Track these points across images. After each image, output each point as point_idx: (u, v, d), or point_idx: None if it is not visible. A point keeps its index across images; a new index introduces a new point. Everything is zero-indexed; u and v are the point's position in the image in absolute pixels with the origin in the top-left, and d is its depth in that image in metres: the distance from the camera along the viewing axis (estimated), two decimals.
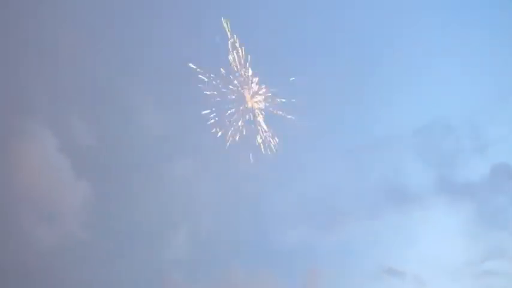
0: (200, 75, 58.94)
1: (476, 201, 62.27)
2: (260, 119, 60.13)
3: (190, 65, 58.61)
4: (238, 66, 58.64)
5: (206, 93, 59.10)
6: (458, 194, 62.35)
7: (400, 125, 63.12)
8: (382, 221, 62.22)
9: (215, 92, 59.18)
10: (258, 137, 59.82)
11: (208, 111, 59.15)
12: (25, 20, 60.12)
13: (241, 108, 60.01)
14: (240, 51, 58.62)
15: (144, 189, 61.21)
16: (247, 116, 60.06)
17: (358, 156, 62.80)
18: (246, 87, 59.29)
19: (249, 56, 58.86)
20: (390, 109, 63.58)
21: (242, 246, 61.73)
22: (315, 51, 62.89)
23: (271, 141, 60.14)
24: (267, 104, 60.10)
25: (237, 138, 59.90)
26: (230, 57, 58.58)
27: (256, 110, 60.19)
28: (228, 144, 59.47)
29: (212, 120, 59.03)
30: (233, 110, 59.85)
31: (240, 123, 59.74)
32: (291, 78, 59.05)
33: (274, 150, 60.18)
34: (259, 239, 61.71)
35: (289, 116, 59.68)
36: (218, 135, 59.21)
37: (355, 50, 63.16)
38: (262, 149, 59.99)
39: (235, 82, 59.10)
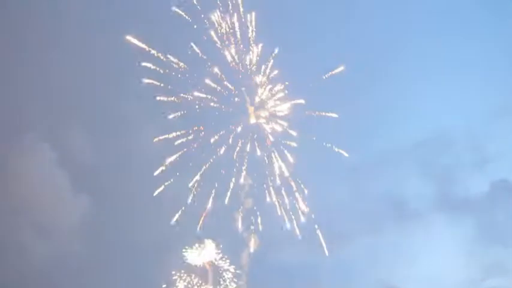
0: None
1: (476, 217, 62.44)
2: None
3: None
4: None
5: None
6: (458, 210, 62.55)
7: (399, 142, 63.30)
8: (383, 238, 62.31)
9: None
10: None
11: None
12: (22, 35, 60.46)
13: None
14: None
15: (142, 204, 60.43)
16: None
17: (358, 174, 62.59)
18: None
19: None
20: (390, 126, 63.70)
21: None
22: (314, 68, 62.57)
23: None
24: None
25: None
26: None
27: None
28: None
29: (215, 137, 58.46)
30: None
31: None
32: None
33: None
34: (260, 258, 61.10)
35: (291, 131, 59.33)
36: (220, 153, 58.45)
37: (354, 66, 62.79)
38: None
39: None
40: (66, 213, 59.50)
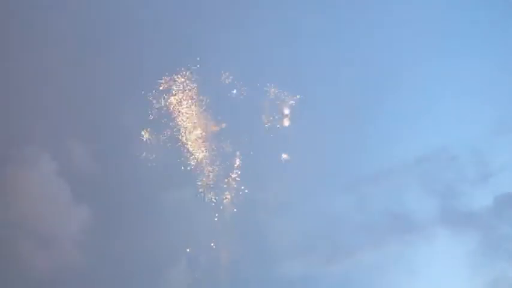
0: None
1: (480, 231, 61.37)
2: None
3: None
4: None
5: None
6: (462, 224, 61.52)
7: (401, 156, 62.55)
8: (385, 252, 61.45)
9: None
10: None
11: None
12: (22, 45, 60.66)
13: None
14: None
15: (144, 215, 60.17)
16: None
17: (360, 187, 62.17)
18: None
19: None
20: (391, 139, 63.23)
21: (242, 278, 60.68)
22: (315, 84, 62.78)
23: None
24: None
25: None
26: None
27: None
28: None
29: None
30: None
31: None
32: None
33: None
34: (260, 271, 60.58)
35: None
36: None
37: (355, 82, 62.99)
38: None
39: None
40: (66, 223, 59.37)
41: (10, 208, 58.00)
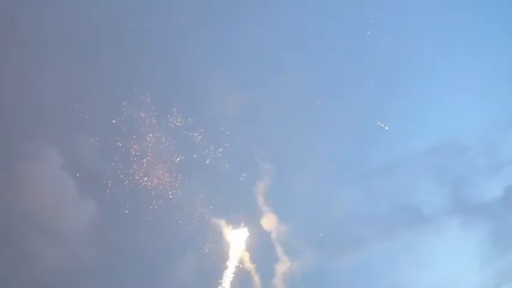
0: None
1: (491, 222, 61.55)
2: None
3: None
4: None
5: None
6: (473, 215, 61.57)
7: (412, 148, 62.33)
8: (396, 244, 61.49)
9: None
10: None
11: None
12: (28, 41, 59.51)
13: None
14: None
15: (150, 209, 59.53)
16: None
17: (371, 179, 61.88)
18: None
19: None
20: (402, 132, 62.95)
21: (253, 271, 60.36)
22: (327, 78, 62.07)
23: None
24: None
25: None
26: None
27: None
28: None
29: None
30: None
31: None
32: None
33: None
34: (270, 265, 60.38)
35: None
36: None
37: (366, 74, 62.30)
38: None
39: None
40: (73, 218, 58.77)
41: (19, 203, 57.32)
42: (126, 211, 59.25)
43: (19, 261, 57.27)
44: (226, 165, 59.90)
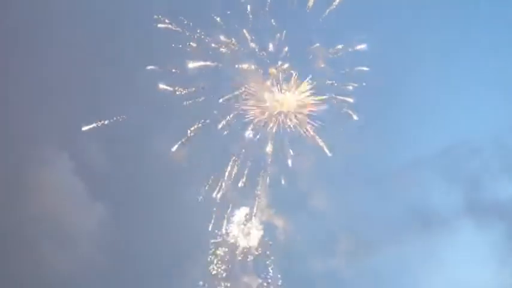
0: None
1: (505, 222, 60.46)
2: None
3: None
4: None
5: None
6: (487, 216, 60.62)
7: (425, 149, 61.81)
8: (409, 246, 60.52)
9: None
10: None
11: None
12: (42, 46, 60.55)
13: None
14: None
15: (161, 213, 59.76)
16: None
17: (383, 181, 61.25)
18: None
19: None
20: (415, 132, 62.29)
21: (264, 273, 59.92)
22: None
23: None
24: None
25: None
26: None
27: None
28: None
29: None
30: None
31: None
32: None
33: None
34: (283, 268, 59.84)
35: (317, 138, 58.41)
36: None
37: (378, 77, 61.77)
38: None
39: None
40: (84, 222, 59.15)
41: (30, 206, 58.02)
42: (136, 214, 59.17)
43: (30, 265, 57.80)
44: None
